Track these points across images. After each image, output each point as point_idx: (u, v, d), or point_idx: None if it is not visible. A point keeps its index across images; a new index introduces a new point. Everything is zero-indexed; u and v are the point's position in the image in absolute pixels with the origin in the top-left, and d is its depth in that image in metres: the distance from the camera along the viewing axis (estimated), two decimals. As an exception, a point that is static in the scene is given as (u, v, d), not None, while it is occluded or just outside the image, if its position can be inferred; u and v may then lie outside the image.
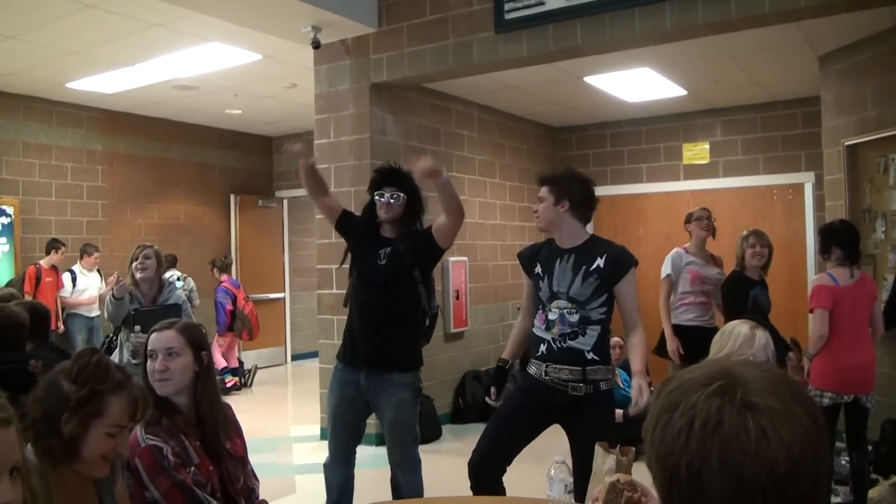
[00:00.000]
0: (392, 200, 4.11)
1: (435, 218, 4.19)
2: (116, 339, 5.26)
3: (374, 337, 4.11)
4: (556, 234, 3.86)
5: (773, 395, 1.03)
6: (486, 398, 3.97)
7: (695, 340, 5.84)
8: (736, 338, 2.63)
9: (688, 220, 6.51)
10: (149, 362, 2.78)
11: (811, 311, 4.98)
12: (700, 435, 0.99)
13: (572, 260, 3.74)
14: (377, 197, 4.15)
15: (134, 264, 5.22)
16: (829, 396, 4.84)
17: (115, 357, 5.15)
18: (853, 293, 4.90)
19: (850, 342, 4.87)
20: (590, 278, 3.69)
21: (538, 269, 3.85)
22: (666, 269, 6.33)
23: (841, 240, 5.00)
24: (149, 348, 2.81)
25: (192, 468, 2.63)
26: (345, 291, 4.50)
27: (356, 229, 4.28)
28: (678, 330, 6.18)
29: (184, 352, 2.80)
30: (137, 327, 4.89)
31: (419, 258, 4.16)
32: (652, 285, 6.39)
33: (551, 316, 3.75)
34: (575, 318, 3.70)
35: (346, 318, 4.38)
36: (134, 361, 4.85)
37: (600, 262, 3.72)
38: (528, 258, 3.99)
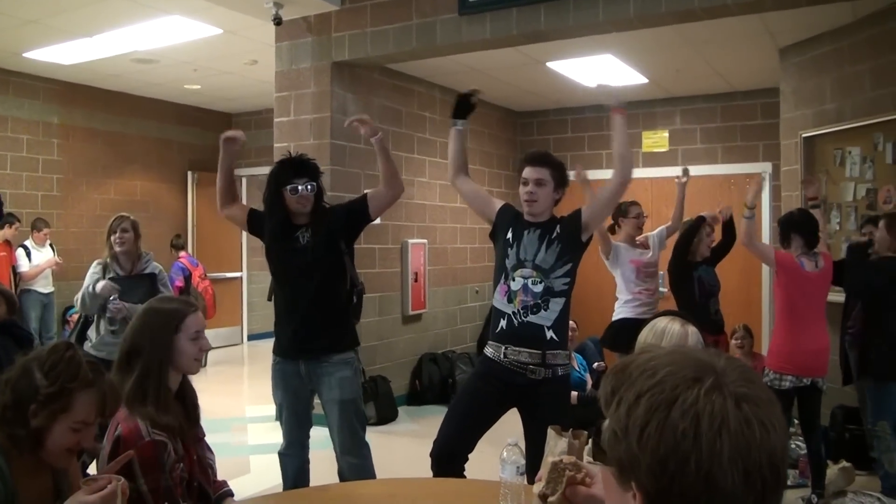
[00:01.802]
0: (309, 192, 4.03)
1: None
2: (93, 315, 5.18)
3: (307, 323, 4.07)
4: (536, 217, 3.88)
5: (754, 383, 1.05)
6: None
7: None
8: (670, 335, 2.63)
9: (623, 213, 6.26)
10: (191, 343, 2.70)
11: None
12: (709, 434, 0.98)
13: (538, 232, 3.79)
14: (290, 190, 4.01)
15: (112, 237, 5.12)
16: (790, 380, 4.93)
17: (92, 331, 5.09)
18: (816, 281, 5.00)
19: (810, 326, 4.96)
20: (552, 245, 3.74)
21: (509, 234, 3.85)
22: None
23: (801, 228, 5.08)
24: (195, 329, 2.72)
25: (181, 465, 2.56)
26: None
27: (267, 226, 4.17)
28: (628, 324, 6.09)
29: None
30: (115, 295, 4.88)
31: (346, 227, 4.15)
32: (605, 273, 6.39)
33: (514, 286, 3.74)
34: (539, 287, 3.71)
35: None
36: (112, 328, 4.90)
37: (558, 228, 3.79)
38: (511, 217, 3.94)
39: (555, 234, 3.77)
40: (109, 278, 5.04)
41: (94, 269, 5.18)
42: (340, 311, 4.17)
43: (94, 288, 4.95)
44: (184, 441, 2.63)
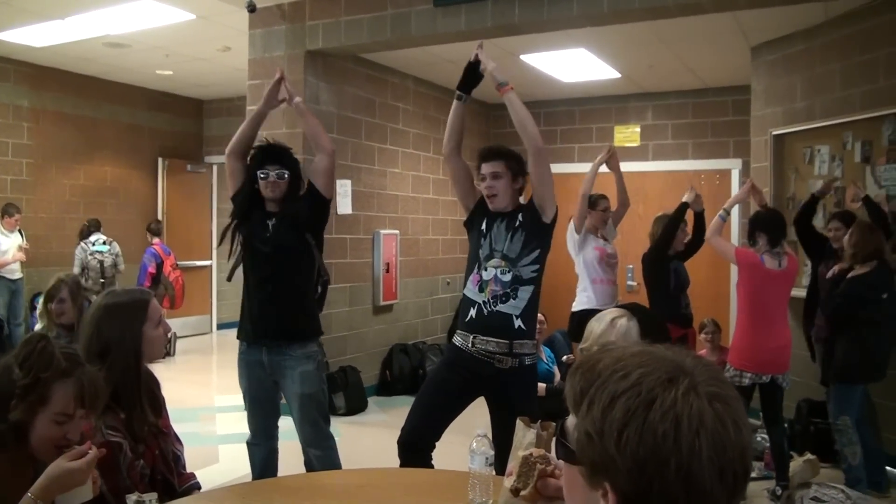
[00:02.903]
0: (278, 178, 4.04)
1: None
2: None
3: (271, 309, 4.06)
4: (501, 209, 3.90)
5: (722, 382, 1.07)
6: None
7: None
8: (619, 329, 2.65)
9: (592, 206, 6.25)
10: (157, 330, 2.69)
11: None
12: (689, 435, 0.99)
13: (505, 222, 3.83)
14: (261, 175, 4.03)
15: (50, 306, 4.87)
16: (749, 376, 5.01)
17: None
18: (778, 279, 5.07)
19: (770, 324, 5.04)
20: (516, 234, 3.78)
21: (484, 225, 3.88)
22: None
23: (766, 226, 5.14)
24: (158, 314, 2.72)
25: (140, 461, 2.54)
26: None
27: (236, 205, 4.17)
28: (592, 315, 6.10)
29: None
30: None
31: (310, 218, 4.14)
32: (564, 262, 6.40)
33: (486, 276, 3.78)
34: (508, 276, 3.74)
35: None
36: None
37: (520, 217, 3.82)
38: (486, 208, 3.93)
39: (517, 223, 3.81)
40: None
41: (40, 326, 5.03)
42: (305, 302, 4.18)
43: None
44: (144, 437, 2.61)
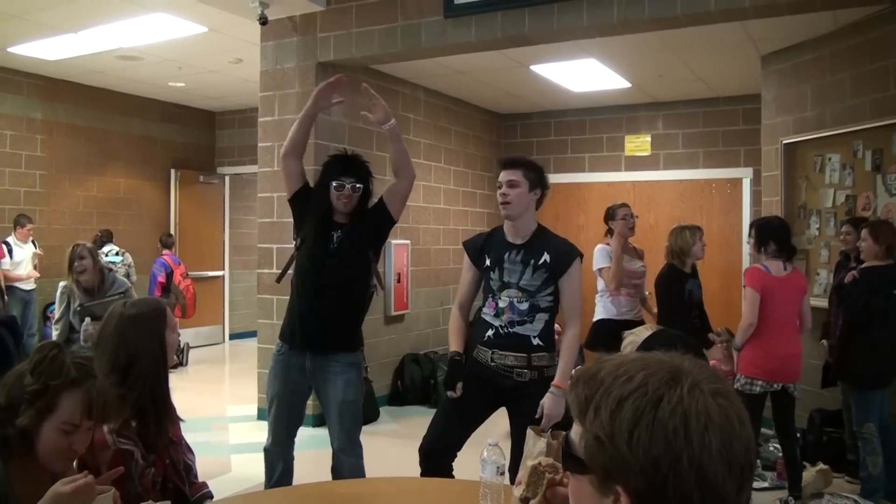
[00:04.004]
0: (352, 192, 4.03)
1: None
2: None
3: (323, 319, 4.05)
4: (515, 223, 3.86)
5: (721, 380, 1.10)
6: (449, 392, 3.82)
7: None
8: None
9: (611, 216, 6.36)
10: (174, 335, 2.75)
11: (745, 288, 5.15)
12: (698, 430, 1.02)
13: (521, 255, 3.80)
14: (336, 187, 4.01)
15: (74, 265, 5.34)
16: (760, 384, 5.00)
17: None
18: (784, 284, 5.06)
19: (780, 332, 5.03)
20: (539, 271, 3.76)
21: (487, 261, 3.88)
22: (603, 262, 6.25)
23: (780, 237, 5.14)
24: (174, 320, 2.78)
25: (151, 469, 2.55)
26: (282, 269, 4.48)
27: (310, 210, 4.13)
28: (609, 324, 6.17)
29: None
30: (88, 319, 5.08)
31: (376, 235, 4.16)
32: (587, 274, 6.42)
33: (501, 304, 3.80)
34: (524, 305, 3.76)
35: (286, 298, 4.33)
36: (86, 344, 5.00)
37: (546, 257, 3.78)
38: (477, 249, 3.99)
39: (542, 261, 3.77)
40: (78, 306, 5.28)
41: (60, 292, 5.46)
42: (354, 312, 4.19)
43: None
44: (156, 446, 2.62)
